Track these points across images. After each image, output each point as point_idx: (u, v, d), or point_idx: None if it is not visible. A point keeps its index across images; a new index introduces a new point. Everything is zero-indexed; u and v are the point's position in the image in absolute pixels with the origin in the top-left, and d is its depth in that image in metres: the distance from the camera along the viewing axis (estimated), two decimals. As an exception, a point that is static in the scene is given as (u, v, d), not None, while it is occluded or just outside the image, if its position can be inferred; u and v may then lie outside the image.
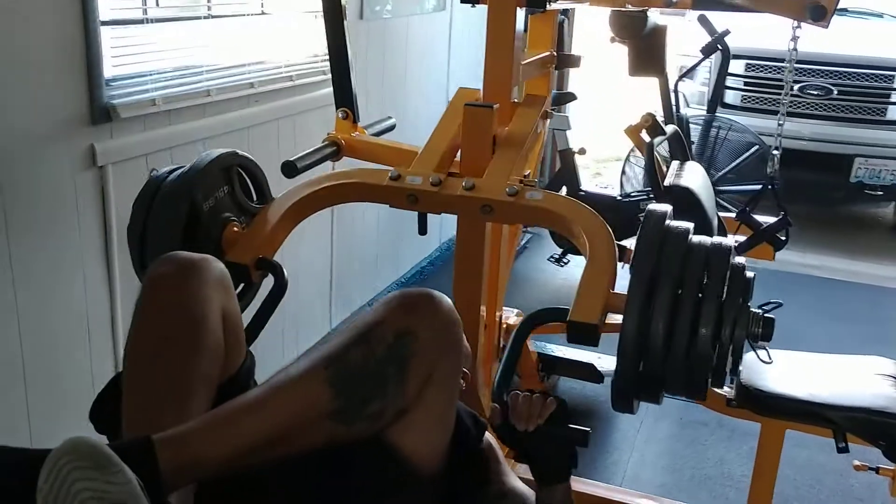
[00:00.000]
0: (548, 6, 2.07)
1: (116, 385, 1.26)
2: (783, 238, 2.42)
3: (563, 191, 4.33)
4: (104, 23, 2.04)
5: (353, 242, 3.59)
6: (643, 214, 1.51)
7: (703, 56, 4.12)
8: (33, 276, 1.95)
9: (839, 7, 1.71)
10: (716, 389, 2.32)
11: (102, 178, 2.10)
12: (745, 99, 5.63)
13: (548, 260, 4.25)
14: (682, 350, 1.39)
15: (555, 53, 2.51)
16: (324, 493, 1.20)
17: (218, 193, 1.73)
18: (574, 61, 2.60)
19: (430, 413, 1.22)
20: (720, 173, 4.27)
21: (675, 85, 4.18)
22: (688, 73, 4.19)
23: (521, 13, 2.04)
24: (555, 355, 2.95)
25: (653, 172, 2.18)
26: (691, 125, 4.32)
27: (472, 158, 1.92)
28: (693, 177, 2.24)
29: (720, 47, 4.06)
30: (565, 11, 2.73)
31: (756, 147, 4.27)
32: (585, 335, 1.45)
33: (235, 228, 1.75)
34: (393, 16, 3.57)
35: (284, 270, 1.71)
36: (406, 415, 1.19)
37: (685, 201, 2.08)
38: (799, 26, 1.97)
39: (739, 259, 1.48)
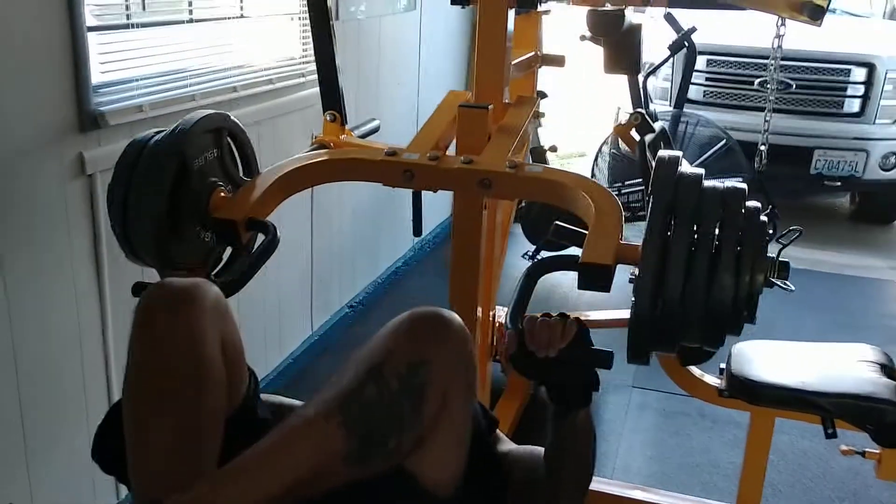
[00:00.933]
0: (540, 6, 2.09)
1: (116, 416, 1.22)
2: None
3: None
4: (90, 28, 2.01)
5: (333, 246, 3.57)
6: (655, 161, 1.48)
7: (670, 53, 4.19)
8: (24, 284, 1.91)
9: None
10: (706, 380, 2.38)
11: (91, 187, 2.07)
12: (707, 94, 5.73)
13: (521, 257, 4.28)
14: (702, 294, 1.34)
15: (539, 54, 2.54)
16: None
17: (207, 155, 1.67)
18: (558, 61, 2.63)
19: (447, 435, 1.20)
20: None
21: (644, 81, 4.25)
22: (656, 69, 4.25)
23: (512, 14, 2.07)
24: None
25: (646, 169, 2.22)
26: (660, 120, 4.40)
27: (469, 148, 1.91)
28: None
29: (687, 44, 4.13)
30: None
31: (723, 141, 4.35)
32: (598, 278, 1.38)
33: (223, 194, 1.69)
34: (366, 16, 3.57)
35: (277, 229, 1.64)
36: (423, 441, 1.17)
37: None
38: (783, 24, 2.01)
39: (754, 203, 1.44)
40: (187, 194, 1.60)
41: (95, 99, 2.04)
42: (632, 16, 3.04)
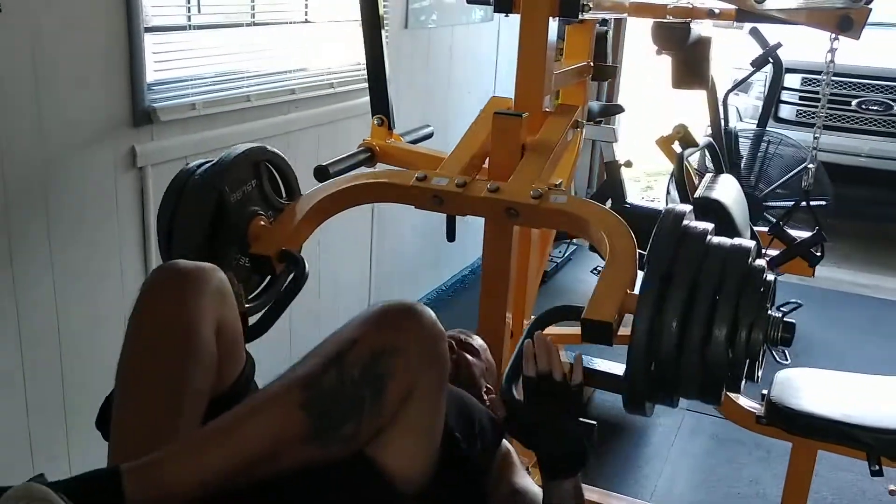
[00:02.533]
0: (581, 16, 2.07)
1: None
2: (818, 254, 2.37)
3: (608, 203, 4.32)
4: (147, 29, 2.11)
5: (394, 250, 3.62)
6: (662, 213, 1.48)
7: (753, 69, 4.06)
8: (72, 271, 2.02)
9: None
10: (745, 405, 2.30)
11: (142, 179, 2.17)
12: (800, 114, 5.52)
13: (591, 272, 4.22)
14: (696, 352, 1.34)
15: (591, 64, 2.51)
16: None
17: (246, 187, 1.75)
18: (609, 72, 2.58)
19: (411, 429, 1.19)
20: (769, 188, 4.19)
21: (725, 98, 4.13)
22: (737, 85, 4.13)
23: (554, 24, 2.06)
24: (587, 367, 2.92)
25: (682, 183, 2.16)
26: (741, 139, 4.27)
27: (501, 165, 1.94)
28: (725, 189, 2.21)
29: (772, 60, 3.99)
30: (604, 22, 2.71)
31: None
32: (599, 334, 1.42)
33: (262, 222, 1.77)
34: (438, 25, 3.60)
35: (306, 264, 1.71)
36: (385, 432, 1.16)
37: (714, 213, 2.06)
38: (836, 38, 1.93)
39: (760, 261, 1.43)
40: (226, 225, 1.69)
41: (149, 96, 2.14)
42: (701, 29, 2.98)
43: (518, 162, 1.92)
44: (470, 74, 4.04)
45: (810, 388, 2.17)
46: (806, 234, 2.38)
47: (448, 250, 4.14)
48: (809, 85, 5.46)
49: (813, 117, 5.58)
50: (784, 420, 2.09)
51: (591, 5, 2.02)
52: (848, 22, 1.55)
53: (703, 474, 2.83)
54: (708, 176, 2.36)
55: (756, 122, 5.23)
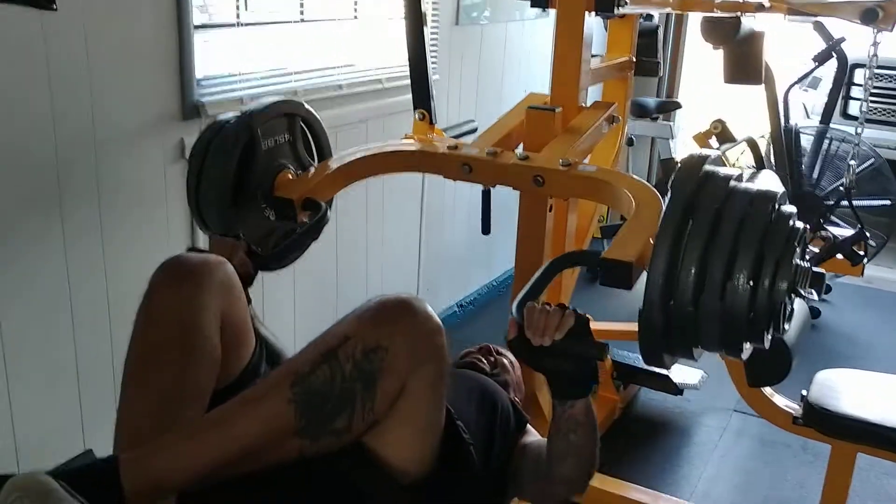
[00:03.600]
0: (617, 10, 2.07)
1: None
2: (861, 252, 2.31)
3: (665, 200, 4.27)
4: (197, 27, 2.20)
5: (443, 243, 3.66)
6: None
7: (816, 64, 3.96)
8: (122, 259, 2.12)
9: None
10: (782, 406, 2.26)
11: (191, 171, 2.26)
12: (869, 110, 5.33)
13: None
14: (716, 293, 1.26)
15: (633, 59, 2.50)
16: (304, 496, 1.21)
17: (279, 138, 1.80)
18: (652, 68, 2.56)
19: (407, 423, 1.21)
20: (832, 186, 4.08)
21: (786, 94, 4.04)
22: (799, 81, 4.02)
23: (590, 18, 2.06)
24: (629, 364, 2.91)
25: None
26: (803, 136, 4.16)
27: (533, 147, 1.94)
28: (765, 184, 2.17)
29: (835, 55, 3.88)
30: (649, 17, 2.69)
31: (871, 160, 4.05)
32: (619, 275, 1.39)
33: (290, 176, 1.81)
34: (490, 22, 3.63)
35: (328, 210, 1.75)
36: (382, 424, 1.19)
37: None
38: (880, 31, 1.88)
39: (789, 208, 1.35)
40: (254, 171, 1.73)
41: (198, 91, 2.23)
42: (754, 23, 2.93)
43: (550, 147, 1.93)
44: (524, 71, 4.05)
45: (850, 389, 2.13)
46: (846, 233, 2.32)
47: (499, 246, 4.16)
48: (881, 81, 5.29)
49: (884, 114, 5.42)
50: (820, 421, 2.05)
51: (627, 1, 2.02)
52: (872, 14, 1.52)
53: (745, 476, 2.79)
54: (746, 172, 2.31)
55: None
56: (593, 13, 2.06)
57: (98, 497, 1.05)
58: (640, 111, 4.45)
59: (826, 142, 4.11)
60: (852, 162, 2.25)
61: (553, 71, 2.11)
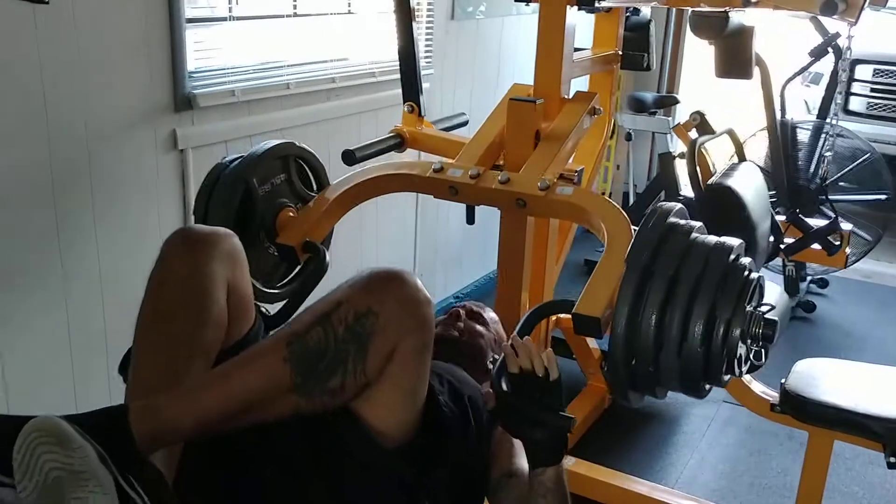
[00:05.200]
0: (598, 4, 2.11)
1: None
2: (837, 243, 2.34)
3: (662, 195, 4.30)
4: (189, 20, 2.25)
5: (438, 236, 3.70)
6: (648, 210, 1.53)
7: (811, 59, 3.98)
8: (116, 245, 2.18)
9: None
10: (760, 393, 2.30)
11: (183, 161, 2.31)
12: (871, 106, 5.35)
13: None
14: (674, 345, 1.40)
15: (619, 53, 2.54)
16: (295, 453, 1.28)
17: (275, 180, 1.90)
18: (639, 62, 2.60)
19: (394, 387, 1.27)
20: (829, 180, 4.10)
21: (782, 89, 4.06)
22: (795, 76, 4.04)
23: (572, 12, 2.10)
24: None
25: (693, 171, 2.17)
26: (799, 130, 4.18)
27: (516, 152, 2.01)
28: (741, 177, 2.21)
29: (831, 50, 3.90)
30: (636, 11, 2.72)
31: (868, 155, 4.06)
32: (589, 327, 1.51)
33: (291, 213, 1.92)
34: (486, 16, 3.67)
35: (327, 254, 1.87)
36: (370, 388, 1.26)
37: (726, 200, 2.06)
38: (853, 25, 1.91)
39: (745, 260, 1.47)
40: (255, 214, 1.84)
41: (190, 83, 2.28)
42: (743, 18, 2.95)
43: (533, 149, 1.99)
44: (521, 66, 4.08)
45: (828, 377, 2.16)
46: (822, 223, 2.35)
47: (496, 238, 4.20)
48: (882, 76, 5.30)
49: (886, 110, 5.42)
50: (797, 408, 2.09)
51: (608, -6, 2.06)
52: (832, 5, 1.55)
53: (731, 464, 2.83)
54: (730, 164, 2.36)
55: (831, 114, 5.13)
56: (575, 7, 2.11)
57: (109, 440, 1.12)
58: (639, 106, 4.48)
59: (822, 137, 4.13)
60: (828, 153, 2.28)
61: (536, 63, 2.15)
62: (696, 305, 1.39)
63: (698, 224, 1.52)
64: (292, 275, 1.97)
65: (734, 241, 1.48)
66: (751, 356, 1.49)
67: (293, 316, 1.43)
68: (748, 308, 1.42)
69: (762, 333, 1.43)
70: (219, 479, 1.29)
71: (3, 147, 1.90)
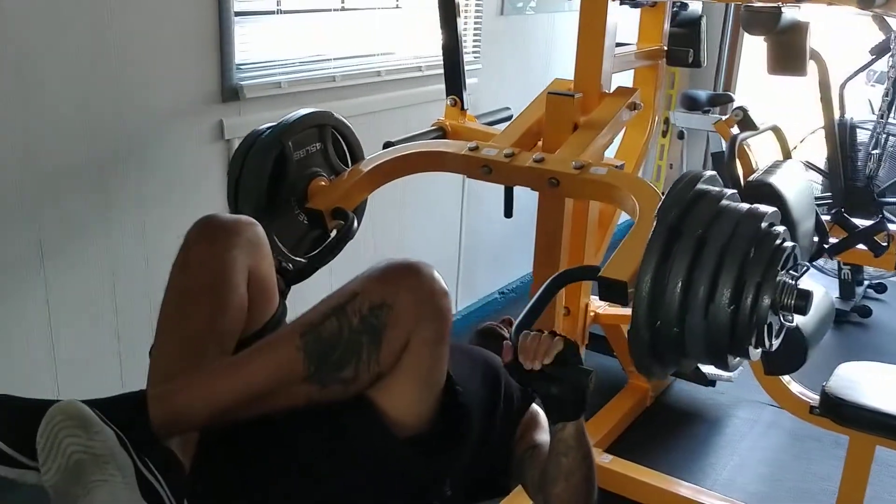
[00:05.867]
0: (644, -1, 2.10)
1: None
2: (884, 244, 2.27)
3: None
4: (238, 13, 2.31)
5: (484, 231, 3.71)
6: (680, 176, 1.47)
7: (872, 57, 3.87)
8: (160, 230, 2.24)
9: None
10: (800, 395, 2.26)
11: (229, 151, 2.37)
12: (938, 106, 5.16)
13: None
14: (700, 310, 1.32)
15: (665, 48, 2.51)
16: (310, 442, 1.30)
17: (310, 147, 1.91)
18: (683, 57, 2.56)
19: (409, 377, 1.28)
20: (886, 183, 3.98)
21: (842, 87, 3.96)
22: (855, 74, 3.93)
23: (613, 6, 2.09)
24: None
25: (732, 167, 2.14)
26: (860, 130, 4.07)
27: (553, 141, 2.00)
28: (784, 174, 2.17)
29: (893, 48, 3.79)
30: (683, 6, 2.69)
31: (927, 156, 3.93)
32: (615, 292, 1.45)
33: (322, 183, 1.92)
34: (536, 12, 3.66)
35: (355, 221, 1.86)
36: (385, 378, 1.27)
37: (765, 197, 2.02)
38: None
39: (779, 227, 1.40)
40: (287, 180, 1.85)
41: (237, 75, 2.35)
42: (797, 14, 2.89)
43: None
44: (571, 62, 4.06)
45: (870, 381, 2.12)
46: (868, 223, 2.29)
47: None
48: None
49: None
50: (835, 411, 2.05)
51: (650, -11, 2.04)
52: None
53: (771, 468, 2.78)
54: (772, 161, 2.31)
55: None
56: (617, 1, 2.10)
57: (128, 425, 1.16)
58: (692, 104, 4.42)
59: (883, 137, 4.01)
60: (874, 152, 2.21)
61: (577, 58, 2.15)
62: (724, 267, 1.32)
63: (731, 191, 1.45)
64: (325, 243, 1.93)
65: (768, 208, 1.41)
66: (782, 329, 1.41)
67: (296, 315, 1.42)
68: (780, 278, 1.35)
69: (794, 304, 1.35)
70: (233, 466, 1.31)
71: (58, 135, 1.98)
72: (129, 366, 2.25)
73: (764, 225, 1.37)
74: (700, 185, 1.44)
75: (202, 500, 1.27)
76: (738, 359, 1.43)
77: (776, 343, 1.41)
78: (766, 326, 1.34)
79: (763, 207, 1.41)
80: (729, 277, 1.31)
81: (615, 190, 1.77)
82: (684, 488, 2.47)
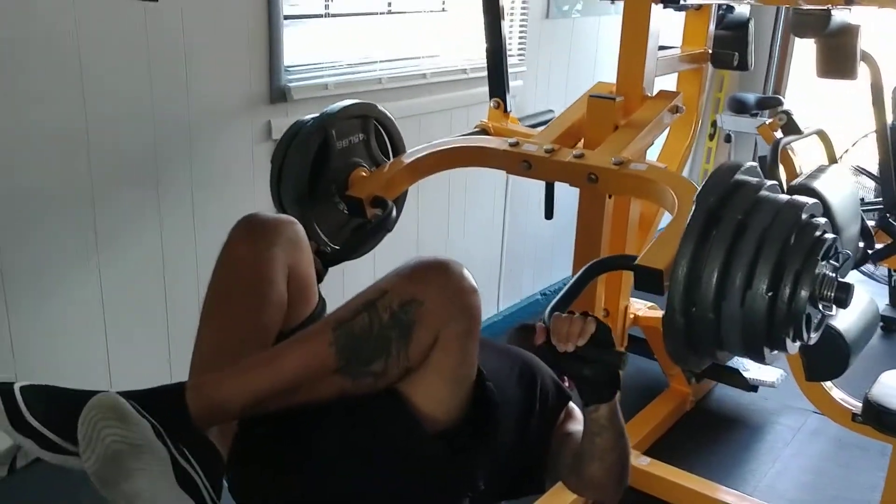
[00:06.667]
0: (684, 2, 2.10)
1: None
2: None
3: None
4: (287, 17, 2.37)
5: (527, 231, 3.73)
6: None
7: (927, 60, 3.79)
8: (210, 227, 2.31)
9: None
10: (842, 402, 2.23)
11: (276, 151, 2.43)
12: None
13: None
14: (737, 298, 1.30)
15: (709, 51, 2.51)
16: (342, 433, 1.33)
17: (353, 138, 1.95)
18: (728, 60, 2.55)
19: (439, 373, 1.30)
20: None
21: (894, 91, 3.88)
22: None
23: (657, 10, 2.10)
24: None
25: (775, 171, 2.12)
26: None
27: (593, 142, 2.01)
28: (829, 179, 2.15)
29: (949, 51, 3.70)
30: (729, 8, 2.67)
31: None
32: (651, 281, 1.44)
33: (363, 174, 1.95)
34: (582, 15, 3.67)
35: (394, 209, 1.87)
36: (414, 373, 1.29)
37: (808, 201, 2.00)
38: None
39: (819, 219, 1.37)
40: (330, 168, 1.89)
41: (286, 77, 2.41)
42: (847, 16, 2.86)
43: (610, 139, 1.99)
44: (616, 65, 4.05)
45: (916, 390, 2.08)
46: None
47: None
48: None
49: None
50: (878, 419, 2.02)
51: (693, -7, 2.04)
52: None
53: (814, 476, 2.74)
54: (819, 166, 2.29)
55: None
56: (660, 5, 2.10)
57: (167, 416, 1.20)
58: (739, 107, 4.38)
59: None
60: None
61: (619, 61, 2.16)
62: (763, 254, 1.30)
63: (770, 182, 1.42)
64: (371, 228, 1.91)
65: (808, 200, 1.39)
66: (822, 322, 1.38)
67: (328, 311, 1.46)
68: (820, 270, 1.32)
69: (834, 297, 1.33)
70: (268, 456, 1.35)
71: (115, 137, 2.06)
72: (177, 358, 2.32)
73: (805, 216, 1.35)
74: (739, 175, 1.42)
75: (239, 488, 1.33)
76: (775, 352, 1.40)
77: (815, 337, 1.38)
78: (804, 317, 1.31)
79: (804, 198, 1.38)
80: (767, 264, 1.28)
81: (654, 185, 1.76)
82: (724, 493, 2.46)
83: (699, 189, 1.41)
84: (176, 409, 1.23)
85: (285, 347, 1.32)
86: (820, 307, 1.34)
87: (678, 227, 1.46)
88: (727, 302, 1.30)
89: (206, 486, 1.22)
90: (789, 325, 1.32)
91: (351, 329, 1.29)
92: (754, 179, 1.43)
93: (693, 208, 1.36)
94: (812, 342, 1.38)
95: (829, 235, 1.36)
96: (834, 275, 1.34)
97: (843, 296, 1.33)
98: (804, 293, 1.29)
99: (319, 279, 1.65)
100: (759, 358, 1.40)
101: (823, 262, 1.33)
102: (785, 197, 1.39)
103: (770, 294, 1.29)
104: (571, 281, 1.58)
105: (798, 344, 1.37)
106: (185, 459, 1.20)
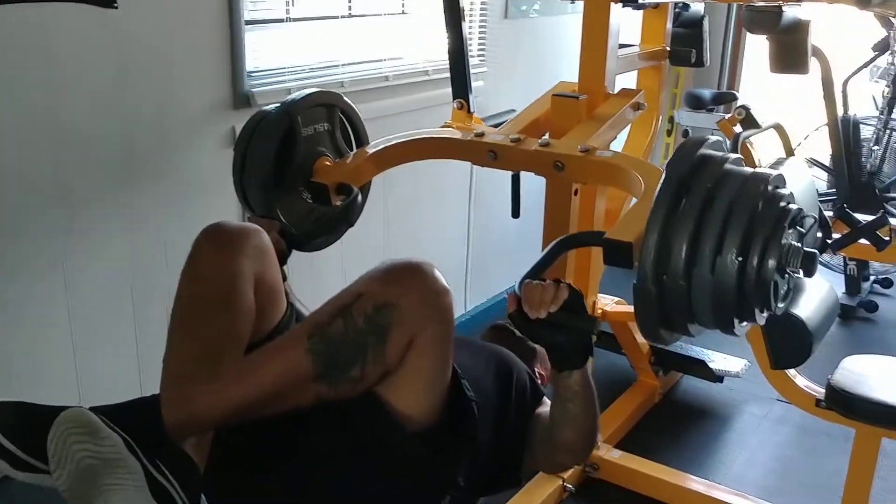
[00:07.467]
0: (642, 1, 2.14)
1: None
2: (887, 238, 2.30)
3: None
4: (248, 22, 2.36)
5: (492, 229, 3.75)
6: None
7: (875, 54, 3.91)
8: (176, 234, 2.28)
9: None
10: (806, 388, 2.28)
11: (241, 157, 2.42)
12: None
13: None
14: (706, 269, 1.32)
15: (667, 48, 2.55)
16: (322, 436, 1.33)
17: (318, 126, 1.94)
18: (686, 57, 2.60)
19: (415, 375, 1.31)
20: (890, 179, 4.00)
21: (844, 84, 3.99)
22: (857, 71, 3.97)
23: (616, 9, 2.13)
24: (665, 349, 2.95)
25: (736, 164, 2.16)
26: (864, 127, 4.10)
27: (559, 134, 2.02)
28: (787, 171, 2.19)
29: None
30: (686, 6, 2.73)
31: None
32: (620, 254, 1.45)
33: (328, 163, 1.95)
34: (540, 14, 3.70)
35: (360, 195, 1.88)
36: (391, 375, 1.30)
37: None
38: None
39: (784, 190, 1.42)
40: (294, 156, 1.88)
41: (249, 82, 2.39)
42: (798, 12, 2.92)
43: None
44: (577, 64, 4.09)
45: (876, 374, 2.14)
46: (869, 218, 2.32)
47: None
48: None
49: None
50: (840, 403, 2.08)
51: (652, -9, 2.08)
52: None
53: (781, 463, 2.80)
54: (774, 160, 2.35)
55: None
56: (620, 4, 2.14)
57: (140, 430, 1.19)
58: (696, 102, 4.46)
59: (886, 133, 4.04)
60: (875, 148, 2.24)
61: (581, 60, 2.19)
62: (733, 221, 1.33)
63: (735, 155, 1.46)
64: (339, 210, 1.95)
65: (772, 171, 1.43)
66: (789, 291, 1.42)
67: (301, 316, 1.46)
68: (787, 239, 1.36)
69: (801, 264, 1.36)
70: (247, 464, 1.35)
71: (84, 142, 2.05)
72: (147, 370, 2.30)
73: (770, 187, 1.39)
74: (705, 150, 1.45)
75: (217, 499, 1.31)
76: (745, 324, 1.42)
77: (782, 307, 1.41)
78: (772, 284, 1.34)
79: (768, 170, 1.42)
80: (737, 232, 1.31)
81: (621, 171, 1.78)
82: (695, 483, 2.50)
83: (668, 160, 1.43)
84: (150, 423, 1.21)
85: (262, 356, 1.31)
86: (788, 274, 1.37)
87: (646, 203, 1.47)
88: (698, 269, 1.33)
89: (182, 499, 1.21)
90: (758, 294, 1.34)
91: (327, 335, 1.29)
92: (719, 153, 1.47)
93: (663, 177, 1.39)
94: (780, 312, 1.40)
95: (794, 206, 1.39)
96: (800, 244, 1.38)
97: (808, 264, 1.36)
98: (772, 261, 1.32)
99: (283, 260, 1.64)
100: (730, 330, 1.41)
101: (791, 231, 1.36)
102: (749, 169, 1.42)
103: (740, 259, 1.32)
104: (542, 254, 1.57)
105: (766, 314, 1.39)
106: (160, 473, 1.19)
